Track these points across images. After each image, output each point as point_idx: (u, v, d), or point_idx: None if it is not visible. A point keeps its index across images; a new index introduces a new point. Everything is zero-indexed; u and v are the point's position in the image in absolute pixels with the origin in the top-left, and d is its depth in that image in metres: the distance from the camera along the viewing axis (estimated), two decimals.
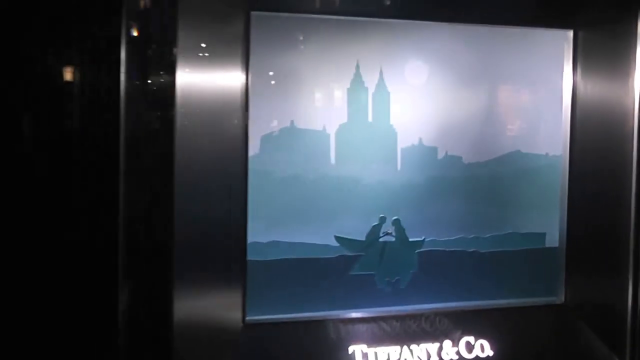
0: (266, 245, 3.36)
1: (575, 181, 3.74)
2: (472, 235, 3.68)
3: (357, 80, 3.48)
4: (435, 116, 3.60)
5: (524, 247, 3.76)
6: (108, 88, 2.29)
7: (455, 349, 3.48)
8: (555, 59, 3.75)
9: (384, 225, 3.53)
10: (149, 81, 2.56)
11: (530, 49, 3.72)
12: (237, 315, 3.25)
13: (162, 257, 2.68)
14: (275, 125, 3.38)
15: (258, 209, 3.32)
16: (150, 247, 2.65)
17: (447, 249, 3.63)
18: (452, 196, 3.65)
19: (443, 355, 3.46)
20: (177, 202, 2.75)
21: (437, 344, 3.47)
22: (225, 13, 3.04)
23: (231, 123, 3.13)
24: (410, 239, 3.58)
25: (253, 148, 3.32)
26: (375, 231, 3.53)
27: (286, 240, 3.39)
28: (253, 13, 3.24)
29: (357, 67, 3.47)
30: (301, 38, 3.39)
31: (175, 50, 2.61)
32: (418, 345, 3.44)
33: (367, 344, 3.39)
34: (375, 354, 3.38)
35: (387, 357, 3.39)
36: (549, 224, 3.81)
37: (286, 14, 3.30)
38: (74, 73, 2.30)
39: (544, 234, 3.81)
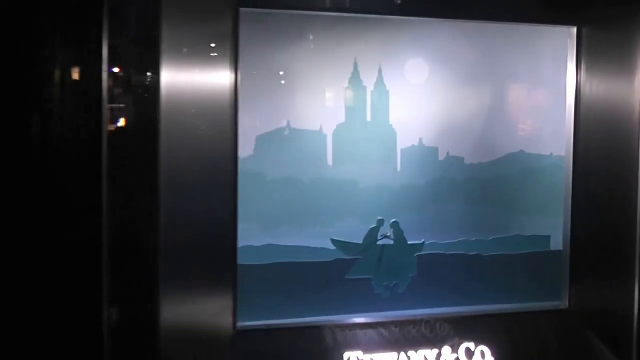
0: (260, 248, 3.30)
1: (580, 182, 3.66)
2: (474, 238, 3.61)
3: (356, 79, 3.41)
4: (436, 116, 3.53)
5: (528, 251, 3.69)
6: (90, 87, 2.22)
7: (455, 355, 3.41)
8: (558, 57, 3.67)
9: (381, 228, 3.47)
10: (133, 81, 2.48)
11: (533, 46, 3.65)
12: (228, 321, 3.19)
13: (147, 260, 2.61)
14: (270, 125, 3.32)
15: (252, 212, 3.27)
16: (134, 250, 2.57)
17: (448, 252, 3.56)
18: (454, 198, 3.58)
19: None
20: (164, 205, 2.68)
21: (435, 351, 3.40)
22: (213, 10, 2.96)
23: (220, 123, 3.06)
24: (409, 242, 3.52)
25: (248, 149, 3.26)
26: (373, 234, 3.46)
27: (281, 244, 3.33)
28: (242, 10, 3.16)
29: (356, 65, 3.40)
30: (296, 36, 3.32)
31: (159, 48, 2.53)
32: (416, 351, 3.37)
33: (363, 351, 3.32)
34: None
35: None
36: (554, 226, 3.74)
37: (276, 11, 3.23)
38: (55, 72, 2.23)
39: (549, 237, 3.74)
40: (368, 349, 3.33)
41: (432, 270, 3.54)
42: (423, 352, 3.37)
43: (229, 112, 3.11)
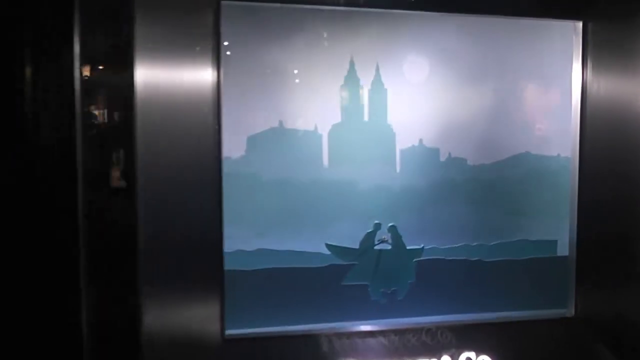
0: (252, 253, 3.19)
1: (586, 184, 3.54)
2: (476, 243, 3.49)
3: (352, 77, 3.30)
4: (437, 115, 3.42)
5: (533, 256, 3.57)
6: (62, 85, 2.13)
7: None
8: (563, 53, 3.55)
9: (379, 233, 3.36)
10: (106, 79, 2.39)
11: (537, 42, 3.52)
12: (215, 328, 3.08)
13: (127, 264, 2.52)
14: (262, 125, 3.21)
15: (243, 215, 3.16)
16: (113, 253, 2.49)
17: (448, 258, 3.45)
18: (456, 201, 3.47)
19: None
20: (144, 208, 2.59)
21: None
22: (192, 3, 2.84)
23: (202, 122, 2.95)
24: (408, 247, 3.40)
25: (239, 149, 3.16)
26: (369, 238, 3.35)
27: (274, 248, 3.23)
28: (223, 2, 3.03)
29: (352, 62, 3.29)
30: (287, 31, 3.20)
31: (133, 44, 2.42)
32: None
33: None
34: None
35: None
36: (561, 230, 3.61)
37: (260, 4, 3.11)
38: (26, 71, 2.15)
39: (555, 242, 3.61)
40: (364, 358, 3.25)
41: (431, 276, 3.42)
42: None
43: (210, 111, 2.99)
